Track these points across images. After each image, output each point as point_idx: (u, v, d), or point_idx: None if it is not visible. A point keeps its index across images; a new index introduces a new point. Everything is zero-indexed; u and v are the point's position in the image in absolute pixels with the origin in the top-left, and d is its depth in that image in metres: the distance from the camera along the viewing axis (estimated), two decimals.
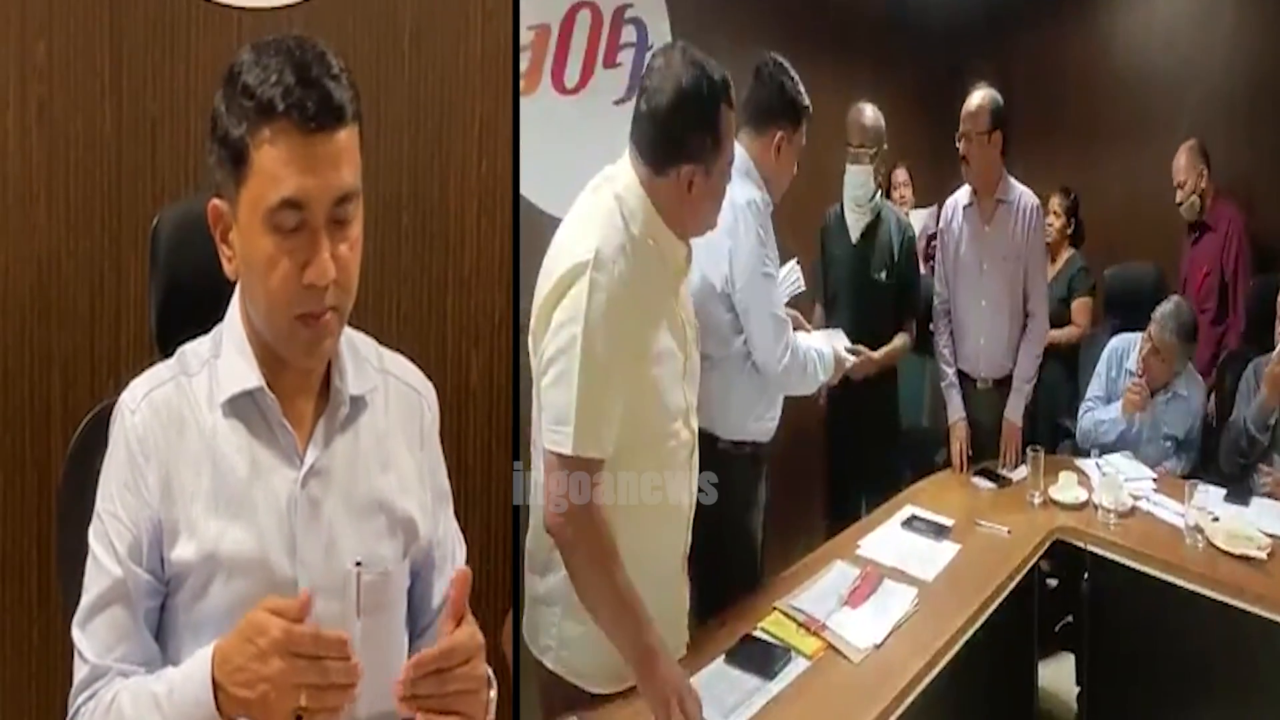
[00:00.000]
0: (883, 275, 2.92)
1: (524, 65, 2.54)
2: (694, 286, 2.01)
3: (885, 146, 2.87)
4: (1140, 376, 3.00)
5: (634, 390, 1.61)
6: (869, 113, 2.87)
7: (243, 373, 1.21)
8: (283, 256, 1.12)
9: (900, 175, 3.88)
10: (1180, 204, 3.47)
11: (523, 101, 2.39)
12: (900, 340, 2.91)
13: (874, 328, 2.81)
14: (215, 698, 1.05)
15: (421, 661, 1.07)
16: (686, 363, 1.75)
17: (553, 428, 1.57)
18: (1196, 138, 3.47)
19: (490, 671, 1.25)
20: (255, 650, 1.02)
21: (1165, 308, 2.99)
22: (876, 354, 2.71)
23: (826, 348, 2.37)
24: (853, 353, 2.49)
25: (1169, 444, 3.04)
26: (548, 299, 1.59)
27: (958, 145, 2.96)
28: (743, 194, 2.12)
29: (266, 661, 1.01)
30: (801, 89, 2.24)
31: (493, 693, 1.21)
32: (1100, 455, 3.06)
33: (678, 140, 1.61)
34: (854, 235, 2.94)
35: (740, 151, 2.17)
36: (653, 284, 1.64)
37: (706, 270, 2.13)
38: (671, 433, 1.72)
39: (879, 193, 2.92)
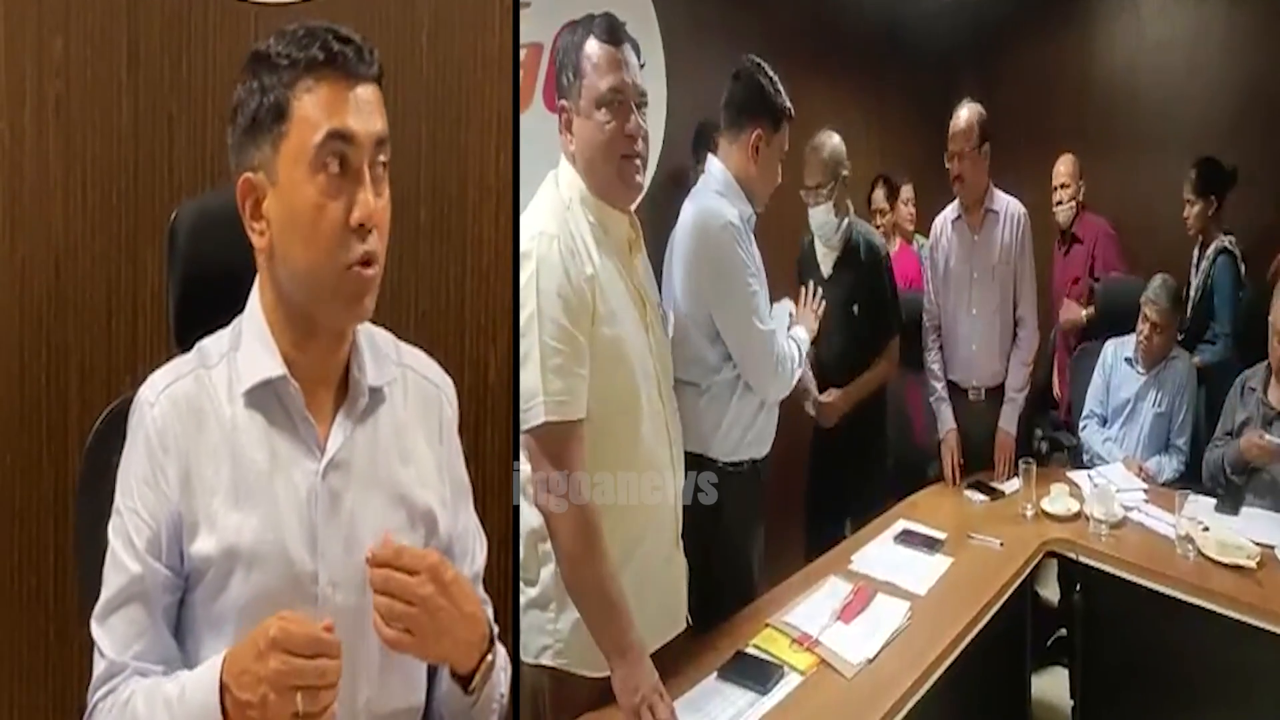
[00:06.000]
0: (856, 309, 2.84)
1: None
2: (673, 314, 2.02)
3: (846, 172, 2.77)
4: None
5: (597, 349, 1.64)
6: (825, 147, 2.75)
7: (265, 362, 1.22)
8: (329, 201, 1.15)
9: (906, 193, 3.86)
10: (1059, 204, 3.56)
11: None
12: (878, 369, 2.87)
13: (855, 359, 2.82)
14: (222, 702, 1.05)
15: (373, 554, 1.11)
16: (649, 335, 1.78)
17: (526, 405, 1.61)
18: (1074, 153, 3.58)
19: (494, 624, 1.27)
20: (256, 651, 1.03)
21: (1154, 282, 3.06)
22: (838, 396, 2.75)
23: (802, 334, 2.38)
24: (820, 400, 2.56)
25: (1162, 410, 3.09)
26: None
27: (949, 165, 2.99)
28: (718, 217, 2.09)
29: (265, 661, 1.02)
30: (781, 90, 2.20)
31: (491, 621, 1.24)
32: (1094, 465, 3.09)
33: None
34: (825, 270, 2.85)
35: (718, 168, 2.18)
36: (598, 247, 1.67)
37: (681, 297, 2.12)
38: (645, 399, 1.74)
39: (846, 220, 2.83)
